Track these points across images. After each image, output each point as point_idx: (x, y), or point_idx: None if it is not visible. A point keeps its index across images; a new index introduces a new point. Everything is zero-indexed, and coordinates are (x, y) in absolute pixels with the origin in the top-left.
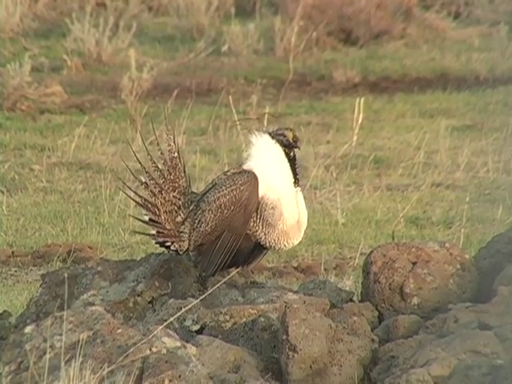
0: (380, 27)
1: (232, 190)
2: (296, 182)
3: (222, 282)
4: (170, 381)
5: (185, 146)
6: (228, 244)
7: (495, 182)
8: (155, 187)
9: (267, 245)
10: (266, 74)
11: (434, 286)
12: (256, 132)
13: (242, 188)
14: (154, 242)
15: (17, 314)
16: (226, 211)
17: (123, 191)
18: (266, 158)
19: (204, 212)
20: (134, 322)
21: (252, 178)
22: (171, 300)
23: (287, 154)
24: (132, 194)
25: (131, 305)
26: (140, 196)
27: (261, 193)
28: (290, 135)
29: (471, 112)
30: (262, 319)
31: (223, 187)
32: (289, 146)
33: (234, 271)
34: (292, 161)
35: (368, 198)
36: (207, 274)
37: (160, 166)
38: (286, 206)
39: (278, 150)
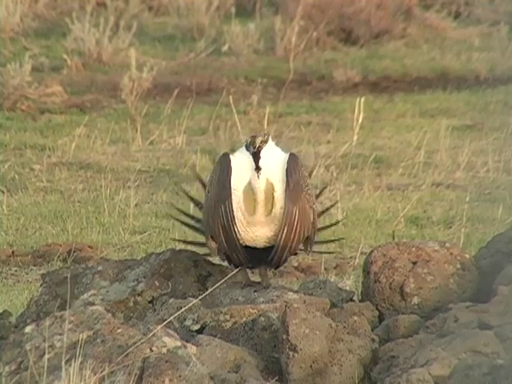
0: (380, 27)
1: (211, 178)
2: (257, 168)
3: (222, 281)
4: (171, 380)
5: (185, 146)
6: (223, 215)
7: (495, 182)
8: None
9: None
10: (266, 73)
11: (434, 285)
12: None
13: (215, 169)
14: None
15: (17, 314)
16: (209, 194)
17: (176, 218)
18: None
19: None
20: (134, 321)
21: (221, 157)
22: (171, 299)
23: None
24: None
25: (131, 304)
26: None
27: None
28: (248, 141)
29: (471, 112)
30: (263, 319)
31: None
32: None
33: (234, 271)
34: (255, 153)
35: (368, 197)
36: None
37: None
38: (241, 196)
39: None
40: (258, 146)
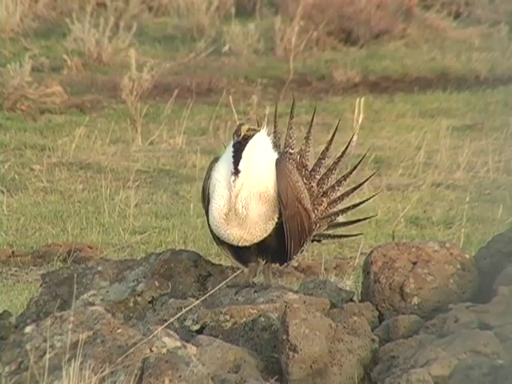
0: (380, 27)
1: None
2: (235, 171)
3: (224, 282)
4: (170, 381)
5: (185, 146)
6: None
7: (495, 182)
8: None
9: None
10: (266, 73)
11: (434, 285)
12: None
13: None
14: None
15: (17, 314)
16: None
17: None
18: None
19: None
20: (134, 321)
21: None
22: (171, 300)
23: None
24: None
25: (131, 305)
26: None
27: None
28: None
29: (471, 112)
30: (263, 319)
31: None
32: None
33: (235, 274)
34: (237, 151)
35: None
36: None
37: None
38: (214, 196)
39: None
40: (242, 134)
